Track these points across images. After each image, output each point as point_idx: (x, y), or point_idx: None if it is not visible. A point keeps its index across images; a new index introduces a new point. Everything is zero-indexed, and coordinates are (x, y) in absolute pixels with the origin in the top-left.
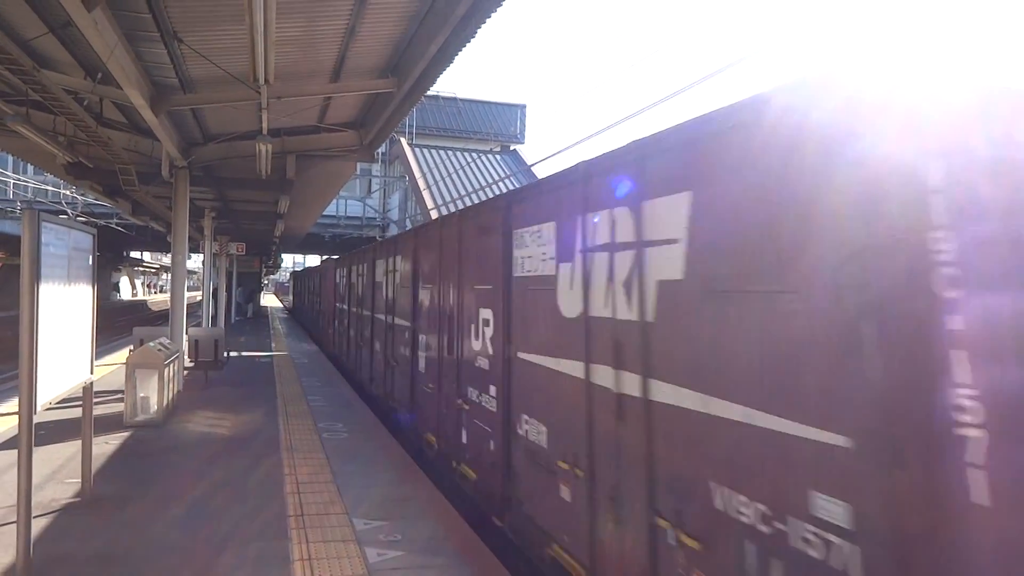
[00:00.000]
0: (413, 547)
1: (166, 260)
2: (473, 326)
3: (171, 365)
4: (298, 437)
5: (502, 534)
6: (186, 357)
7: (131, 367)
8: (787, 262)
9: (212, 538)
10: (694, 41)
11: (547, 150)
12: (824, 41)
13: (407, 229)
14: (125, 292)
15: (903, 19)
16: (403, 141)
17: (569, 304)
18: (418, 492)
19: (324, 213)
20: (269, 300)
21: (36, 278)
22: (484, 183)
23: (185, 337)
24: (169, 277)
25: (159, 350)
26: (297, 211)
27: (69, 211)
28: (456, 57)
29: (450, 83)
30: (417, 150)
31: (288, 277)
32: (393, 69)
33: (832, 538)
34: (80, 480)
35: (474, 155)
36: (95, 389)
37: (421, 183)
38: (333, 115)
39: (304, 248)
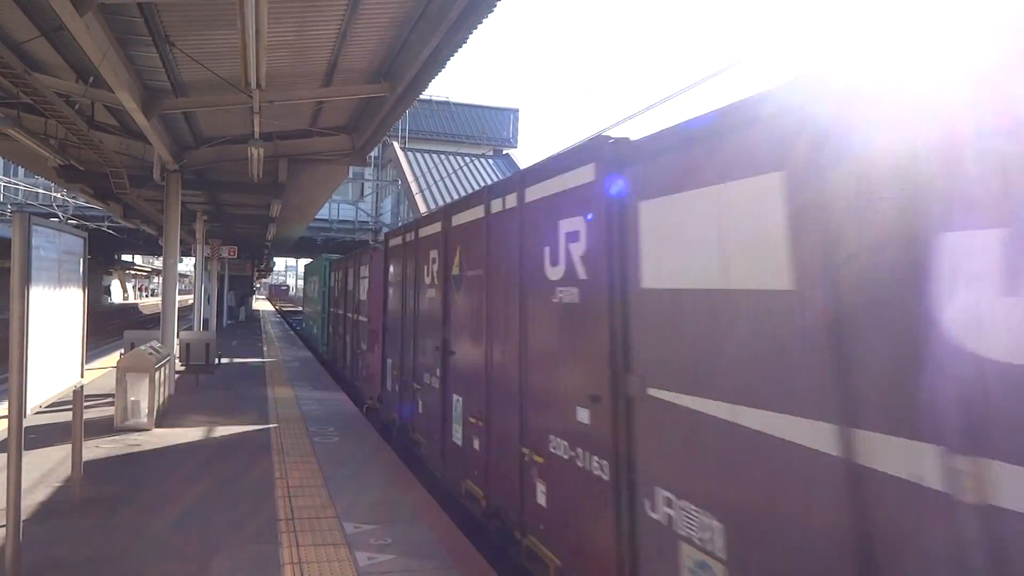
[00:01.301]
0: (403, 551)
1: (158, 263)
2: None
3: (162, 369)
4: (289, 441)
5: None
6: (177, 361)
7: (122, 371)
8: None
9: (202, 542)
10: (687, 45)
11: (540, 154)
12: (817, 43)
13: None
14: (116, 295)
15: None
16: (396, 145)
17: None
18: (409, 496)
19: (317, 217)
20: (261, 305)
21: (26, 281)
22: (477, 187)
23: (176, 341)
24: (160, 280)
25: (150, 354)
26: (289, 215)
27: (60, 214)
28: (448, 62)
29: (442, 87)
30: (410, 154)
31: (303, 273)
32: (385, 73)
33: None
34: (70, 484)
35: (467, 159)
36: (86, 393)
37: (414, 187)
38: (325, 119)
39: (296, 252)
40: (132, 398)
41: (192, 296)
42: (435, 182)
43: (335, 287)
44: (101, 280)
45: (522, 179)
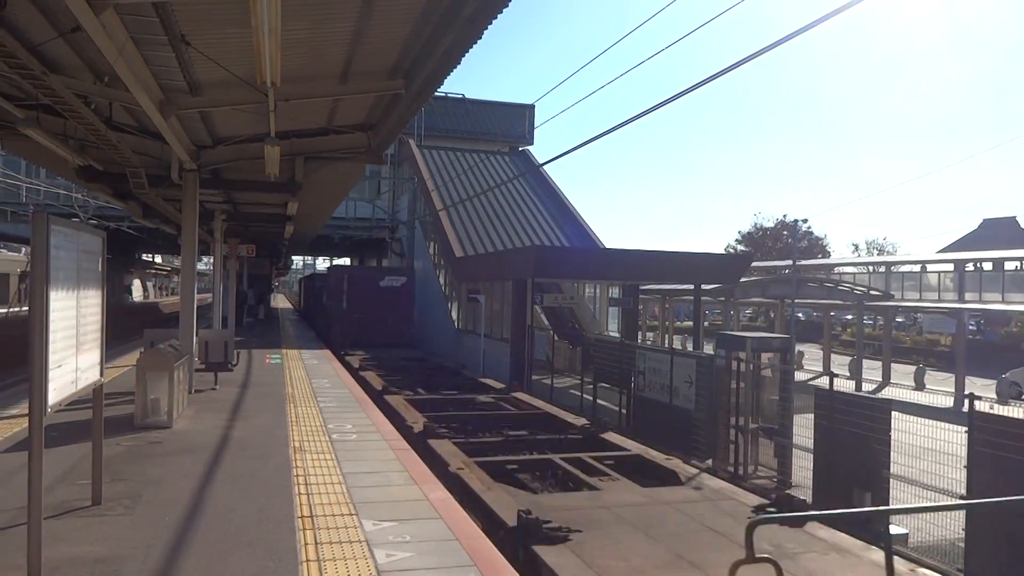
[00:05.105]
0: (423, 548)
1: (178, 263)
2: None
3: (181, 367)
4: (307, 438)
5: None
6: (196, 359)
7: (141, 369)
8: None
9: (221, 539)
10: (703, 39)
11: (556, 149)
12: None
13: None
14: (138, 294)
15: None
16: (411, 143)
17: None
18: (428, 493)
19: (334, 215)
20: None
21: (46, 280)
22: (493, 183)
23: (195, 339)
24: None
25: (169, 352)
26: (306, 213)
27: (81, 214)
28: (463, 58)
29: (458, 84)
30: (425, 151)
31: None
32: (401, 70)
33: None
34: (91, 482)
35: (482, 156)
36: (106, 391)
37: (430, 184)
38: (341, 117)
39: (314, 250)
40: (152, 396)
41: (211, 295)
42: (451, 179)
43: None
44: (122, 279)
45: None
